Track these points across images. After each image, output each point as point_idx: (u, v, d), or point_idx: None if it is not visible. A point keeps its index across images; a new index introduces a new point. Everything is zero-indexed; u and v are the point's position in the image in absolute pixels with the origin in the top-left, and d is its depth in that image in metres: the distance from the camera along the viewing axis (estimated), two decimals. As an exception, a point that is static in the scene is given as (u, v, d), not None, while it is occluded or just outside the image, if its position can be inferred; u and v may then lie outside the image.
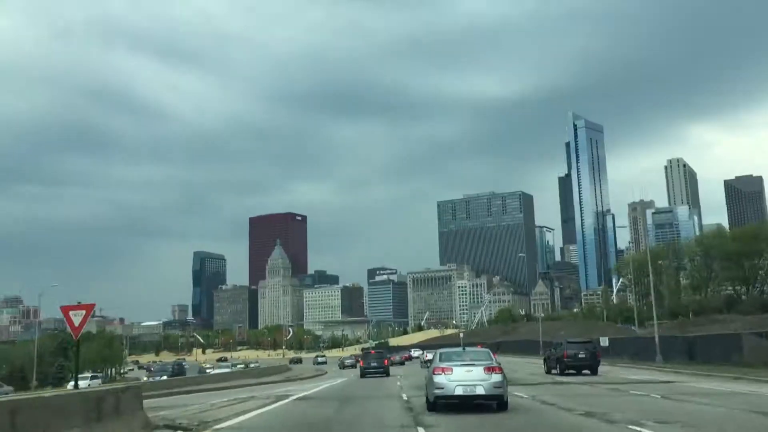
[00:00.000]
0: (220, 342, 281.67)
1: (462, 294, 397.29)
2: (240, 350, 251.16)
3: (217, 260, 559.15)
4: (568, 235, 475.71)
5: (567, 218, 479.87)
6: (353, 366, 75.30)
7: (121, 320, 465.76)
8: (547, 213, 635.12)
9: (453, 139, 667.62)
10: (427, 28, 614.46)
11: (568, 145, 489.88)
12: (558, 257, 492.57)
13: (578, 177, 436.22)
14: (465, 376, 17.48)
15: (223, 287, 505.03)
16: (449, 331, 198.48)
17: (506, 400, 18.17)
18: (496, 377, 17.50)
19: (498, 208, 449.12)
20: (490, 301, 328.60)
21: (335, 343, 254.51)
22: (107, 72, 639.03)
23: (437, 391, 17.73)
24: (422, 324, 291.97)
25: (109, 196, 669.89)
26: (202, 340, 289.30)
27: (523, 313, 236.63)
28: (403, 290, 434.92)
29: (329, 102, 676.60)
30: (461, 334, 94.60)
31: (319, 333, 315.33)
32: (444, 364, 18.03)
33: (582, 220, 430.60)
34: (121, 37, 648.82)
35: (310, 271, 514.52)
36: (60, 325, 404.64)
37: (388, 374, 43.98)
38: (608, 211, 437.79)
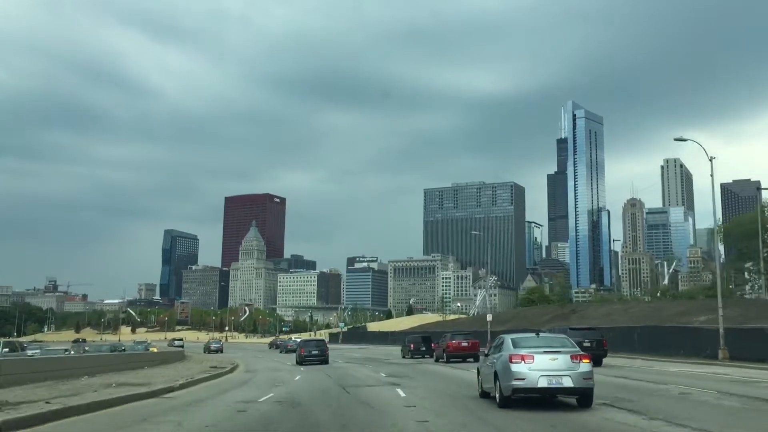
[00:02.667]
0: (156, 320, 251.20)
1: (446, 285, 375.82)
2: (178, 330, 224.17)
3: (188, 240, 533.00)
4: (558, 233, 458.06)
5: (556, 216, 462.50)
6: (219, 351, 77.49)
7: (84, 296, 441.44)
8: (535, 210, 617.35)
9: (445, 133, 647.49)
10: (426, 19, 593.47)
11: (561, 141, 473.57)
12: (544, 254, 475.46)
13: (575, 172, 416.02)
14: (549, 365, 14.81)
15: (194, 267, 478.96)
16: (452, 316, 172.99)
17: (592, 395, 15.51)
18: (585, 366, 14.94)
19: (488, 199, 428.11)
20: (493, 285, 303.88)
21: (301, 328, 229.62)
22: (96, 45, 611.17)
23: (516, 383, 14.79)
24: (410, 306, 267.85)
25: (89, 174, 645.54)
26: (136, 316, 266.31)
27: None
28: (384, 279, 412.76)
29: (321, 89, 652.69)
30: (489, 317, 71.05)
31: (288, 318, 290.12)
32: (523, 351, 15.13)
33: (576, 216, 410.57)
34: (113, 9, 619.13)
35: (287, 255, 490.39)
36: (18, 298, 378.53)
37: (327, 362, 43.13)
38: (603, 208, 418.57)
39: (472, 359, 38.65)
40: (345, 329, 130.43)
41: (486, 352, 18.51)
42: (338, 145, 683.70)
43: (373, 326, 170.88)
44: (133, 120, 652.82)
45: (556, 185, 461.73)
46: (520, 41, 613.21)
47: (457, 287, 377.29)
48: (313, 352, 44.44)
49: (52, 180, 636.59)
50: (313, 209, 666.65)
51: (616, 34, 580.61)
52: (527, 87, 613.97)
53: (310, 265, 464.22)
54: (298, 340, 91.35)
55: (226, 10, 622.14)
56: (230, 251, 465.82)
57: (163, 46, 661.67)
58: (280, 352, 73.16)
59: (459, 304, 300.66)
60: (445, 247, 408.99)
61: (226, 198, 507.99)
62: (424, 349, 49.31)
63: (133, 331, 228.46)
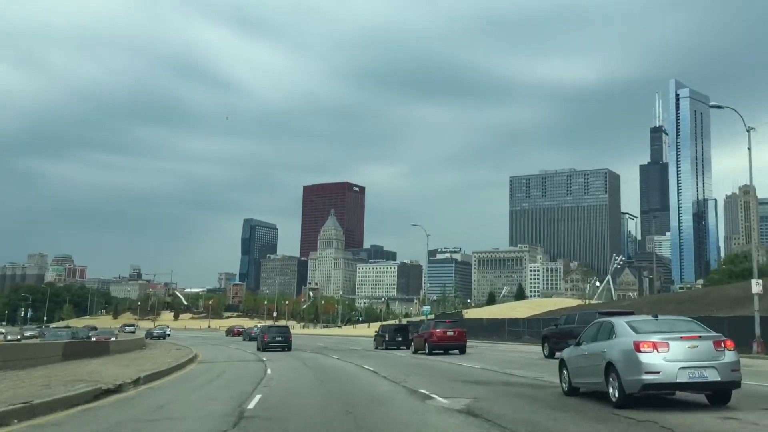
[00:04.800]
0: (204, 307, 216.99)
1: (534, 277, 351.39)
2: (227, 317, 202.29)
3: (267, 229, 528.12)
4: (654, 225, 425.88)
5: (650, 208, 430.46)
6: (162, 337, 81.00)
7: (165, 285, 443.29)
8: (625, 203, 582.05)
9: (528, 125, 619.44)
10: (508, 8, 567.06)
11: (655, 129, 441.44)
12: (638, 248, 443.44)
13: (677, 159, 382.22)
14: (689, 355, 12.04)
15: (272, 257, 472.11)
16: (594, 300, 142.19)
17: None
18: (731, 356, 12.27)
19: (579, 187, 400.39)
20: (585, 278, 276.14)
21: (374, 317, 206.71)
22: (186, 42, 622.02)
23: (648, 377, 11.91)
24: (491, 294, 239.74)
25: (176, 168, 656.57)
26: (184, 300, 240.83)
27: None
28: (467, 270, 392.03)
29: (402, 82, 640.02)
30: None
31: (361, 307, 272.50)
32: (654, 337, 12.23)
33: (679, 207, 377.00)
34: (202, 6, 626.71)
35: (366, 245, 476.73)
36: (103, 285, 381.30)
37: (290, 348, 43.93)
38: (708, 199, 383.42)
39: (457, 351, 35.34)
40: (431, 316, 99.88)
41: (578, 340, 14.70)
42: (418, 139, 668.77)
43: (473, 313, 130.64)
44: (220, 115, 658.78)
45: (650, 176, 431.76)
46: (607, 28, 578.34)
47: (547, 280, 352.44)
48: (277, 339, 44.83)
49: (141, 174, 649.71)
50: (392, 203, 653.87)
51: (709, 16, 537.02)
52: (614, 76, 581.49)
53: (390, 256, 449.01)
54: (127, 328, 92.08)
55: (311, 4, 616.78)
56: (309, 241, 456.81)
57: (250, 41, 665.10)
58: (243, 340, 74.15)
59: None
60: (532, 238, 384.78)
61: (304, 187, 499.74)
62: (400, 339, 45.77)
63: (176, 316, 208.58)
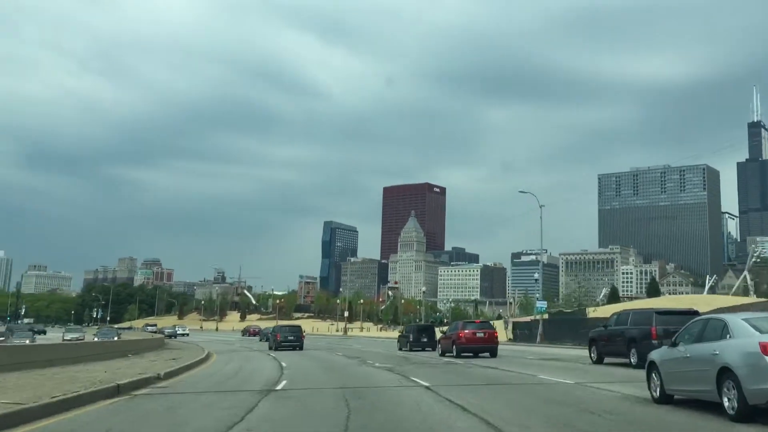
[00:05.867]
0: (273, 307, 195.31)
1: (627, 280, 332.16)
2: (297, 318, 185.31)
3: (348, 231, 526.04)
4: (754, 225, 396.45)
5: (749, 208, 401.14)
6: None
7: (249, 288, 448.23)
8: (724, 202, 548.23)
9: (615, 122, 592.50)
10: (593, 4, 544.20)
11: (753, 125, 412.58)
12: (737, 250, 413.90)
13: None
14: None
15: (352, 260, 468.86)
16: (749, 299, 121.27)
17: None
18: None
19: (674, 184, 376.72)
20: (682, 281, 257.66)
21: (462, 319, 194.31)
22: (268, 49, 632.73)
23: None
24: (599, 299, 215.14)
25: (259, 174, 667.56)
26: (253, 300, 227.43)
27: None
28: (553, 273, 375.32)
29: (482, 82, 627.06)
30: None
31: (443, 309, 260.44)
32: None
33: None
34: (284, 12, 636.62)
35: (447, 248, 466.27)
36: (188, 288, 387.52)
37: (302, 348, 44.47)
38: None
39: (488, 354, 32.84)
40: (545, 315, 75.56)
41: (673, 340, 13.08)
42: (500, 140, 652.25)
43: (602, 311, 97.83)
44: (302, 121, 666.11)
45: (748, 173, 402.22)
46: (696, 20, 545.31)
47: (640, 283, 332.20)
48: (289, 338, 45.08)
49: (225, 180, 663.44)
50: (473, 205, 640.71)
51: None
52: (705, 69, 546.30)
53: (473, 258, 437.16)
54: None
55: (390, 8, 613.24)
56: (389, 243, 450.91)
57: (331, 46, 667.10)
58: (260, 340, 71.69)
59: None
60: (624, 239, 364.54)
61: (384, 188, 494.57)
62: (425, 340, 43.79)
63: (242, 317, 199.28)
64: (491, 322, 49.45)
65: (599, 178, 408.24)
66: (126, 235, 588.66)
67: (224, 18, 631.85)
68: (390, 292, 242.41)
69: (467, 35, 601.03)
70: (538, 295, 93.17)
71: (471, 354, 33.11)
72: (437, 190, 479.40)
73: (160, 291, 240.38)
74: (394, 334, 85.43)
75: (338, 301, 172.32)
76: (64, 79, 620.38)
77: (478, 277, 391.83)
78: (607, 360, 26.41)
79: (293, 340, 44.75)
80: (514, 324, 68.86)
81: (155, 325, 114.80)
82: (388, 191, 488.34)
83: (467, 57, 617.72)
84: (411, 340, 43.54)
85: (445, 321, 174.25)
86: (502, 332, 60.35)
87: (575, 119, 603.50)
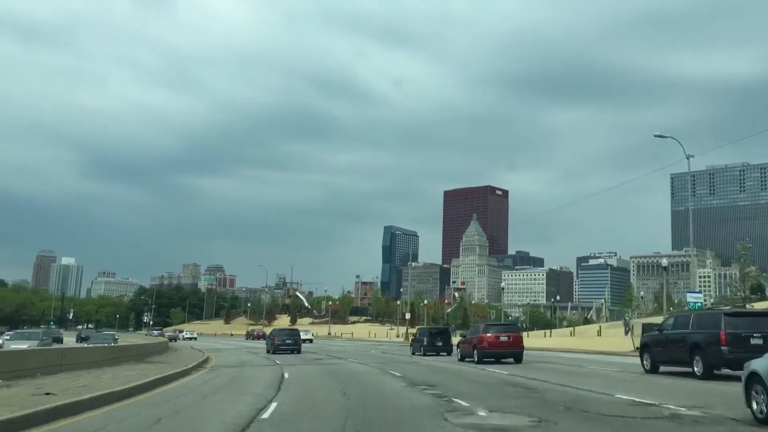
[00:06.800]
0: (327, 310, 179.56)
1: (705, 284, 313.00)
2: (353, 322, 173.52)
3: (408, 236, 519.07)
4: None
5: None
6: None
7: (310, 293, 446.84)
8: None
9: (684, 124, 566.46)
10: (660, 1, 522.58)
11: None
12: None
13: None
14: None
15: (413, 264, 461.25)
16: None
17: None
18: None
19: (755, 183, 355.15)
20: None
21: (541, 323, 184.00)
22: (329, 56, 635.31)
23: None
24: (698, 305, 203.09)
25: (320, 180, 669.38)
26: (306, 302, 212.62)
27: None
28: (622, 277, 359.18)
29: (545, 85, 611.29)
30: None
31: (515, 314, 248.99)
32: None
33: None
34: (343, 19, 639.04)
35: (511, 252, 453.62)
36: (251, 294, 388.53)
37: (299, 351, 44.66)
38: None
39: (512, 359, 30.32)
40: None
41: None
42: (564, 144, 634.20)
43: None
44: (362, 127, 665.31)
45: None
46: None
47: (719, 287, 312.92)
48: (287, 341, 45.80)
49: (287, 187, 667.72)
50: (536, 210, 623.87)
51: None
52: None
53: (537, 262, 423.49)
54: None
55: (450, 12, 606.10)
56: (450, 248, 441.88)
57: (391, 52, 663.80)
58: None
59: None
60: (700, 240, 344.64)
61: (445, 192, 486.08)
62: (440, 344, 40.53)
63: (293, 320, 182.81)
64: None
65: (672, 178, 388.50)
66: (191, 242, 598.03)
67: (285, 27, 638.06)
68: (456, 294, 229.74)
69: (528, 37, 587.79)
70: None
71: (493, 360, 30.63)
72: (499, 192, 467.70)
73: (208, 295, 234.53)
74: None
75: (399, 302, 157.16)
76: (132, 91, 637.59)
77: (544, 281, 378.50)
78: (662, 369, 23.52)
79: (291, 344, 45.59)
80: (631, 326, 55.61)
81: (161, 329, 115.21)
82: (449, 194, 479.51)
83: (528, 59, 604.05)
84: (425, 344, 40.87)
85: (524, 326, 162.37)
86: (620, 340, 49.27)
87: (643, 119, 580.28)
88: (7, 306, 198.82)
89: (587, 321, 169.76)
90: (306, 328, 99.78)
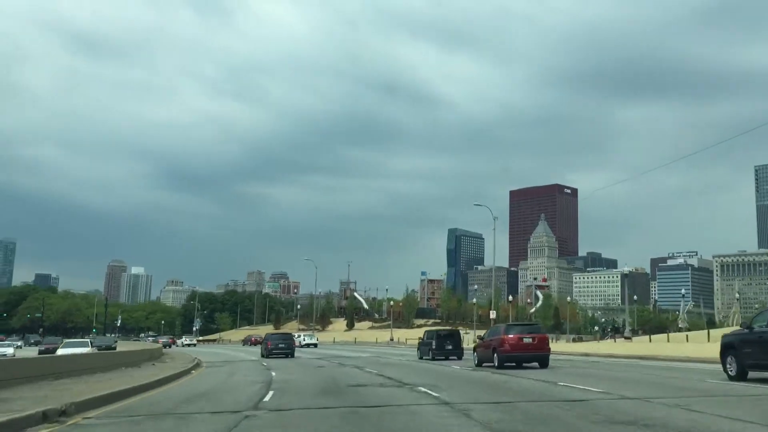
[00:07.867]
0: (388, 312, 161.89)
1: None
2: (419, 325, 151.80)
3: (473, 239, 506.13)
4: None
5: None
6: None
7: (373, 299, 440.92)
8: None
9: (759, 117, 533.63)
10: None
11: None
12: None
13: None
14: None
15: (479, 268, 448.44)
16: None
17: None
18: None
19: None
20: None
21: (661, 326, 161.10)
22: (389, 61, 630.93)
23: None
24: None
25: (383, 186, 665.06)
26: (365, 304, 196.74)
27: None
28: (705, 278, 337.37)
29: (612, 82, 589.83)
30: None
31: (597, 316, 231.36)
32: None
33: None
34: (403, 23, 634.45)
35: (581, 253, 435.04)
36: (314, 300, 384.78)
37: (293, 355, 45.48)
38: None
39: (538, 364, 28.02)
40: None
41: None
42: (633, 142, 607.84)
43: None
44: (424, 130, 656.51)
45: None
46: None
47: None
48: (280, 345, 46.90)
49: (350, 193, 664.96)
50: (606, 210, 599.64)
51: None
52: None
53: (610, 264, 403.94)
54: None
55: (511, 11, 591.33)
56: (517, 250, 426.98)
57: (451, 54, 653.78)
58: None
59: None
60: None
61: (511, 192, 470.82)
62: (450, 348, 38.45)
63: (350, 324, 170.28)
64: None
65: (756, 170, 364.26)
66: (255, 250, 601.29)
67: (344, 32, 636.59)
68: (538, 293, 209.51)
69: (592, 34, 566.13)
70: None
71: (514, 364, 28.15)
72: (568, 191, 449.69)
73: (261, 299, 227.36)
74: (573, 346, 62.20)
75: (474, 301, 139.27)
76: (199, 102, 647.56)
77: (618, 283, 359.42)
78: (751, 374, 19.34)
79: (284, 348, 46.49)
80: None
81: (156, 335, 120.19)
82: (514, 194, 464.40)
83: (594, 56, 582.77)
84: (434, 347, 38.60)
85: (608, 330, 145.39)
86: None
87: (717, 114, 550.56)
88: (54, 314, 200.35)
89: (711, 324, 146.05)
90: (309, 333, 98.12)
